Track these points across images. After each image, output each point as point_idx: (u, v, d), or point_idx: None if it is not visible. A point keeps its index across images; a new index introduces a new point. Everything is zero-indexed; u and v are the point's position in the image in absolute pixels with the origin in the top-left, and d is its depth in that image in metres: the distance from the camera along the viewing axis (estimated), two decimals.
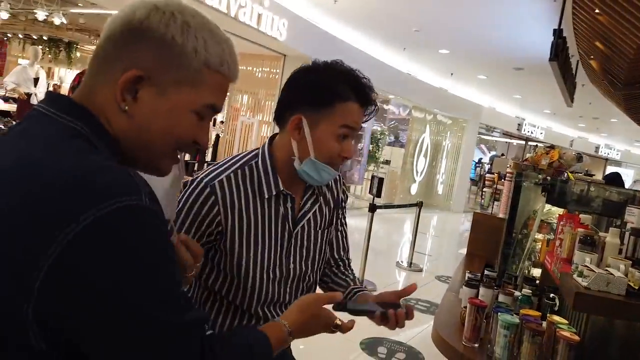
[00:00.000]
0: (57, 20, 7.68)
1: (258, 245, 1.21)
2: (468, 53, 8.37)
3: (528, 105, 13.89)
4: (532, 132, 16.53)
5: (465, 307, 1.84)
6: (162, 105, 0.72)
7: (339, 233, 1.45)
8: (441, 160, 13.15)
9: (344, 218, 1.47)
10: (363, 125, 1.30)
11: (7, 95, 6.89)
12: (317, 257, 1.34)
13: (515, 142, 22.17)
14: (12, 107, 6.80)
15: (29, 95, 6.36)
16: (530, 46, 6.94)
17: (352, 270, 1.48)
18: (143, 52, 0.70)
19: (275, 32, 6.36)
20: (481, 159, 20.50)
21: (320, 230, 1.34)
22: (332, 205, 1.39)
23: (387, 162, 11.56)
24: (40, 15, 7.70)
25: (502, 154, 20.47)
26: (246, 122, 7.88)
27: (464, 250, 3.65)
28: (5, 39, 12.04)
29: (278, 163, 1.24)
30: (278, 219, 1.24)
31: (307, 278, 1.32)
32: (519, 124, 15.72)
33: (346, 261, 1.48)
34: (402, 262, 6.36)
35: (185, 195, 1.18)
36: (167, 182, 0.86)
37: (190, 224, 1.16)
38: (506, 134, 18.66)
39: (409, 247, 6.56)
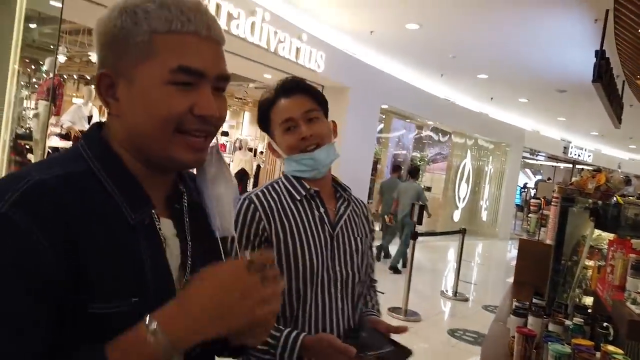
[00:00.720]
0: None
1: (304, 245, 1.27)
2: (508, 77, 8.27)
3: (574, 128, 13.48)
4: (579, 155, 15.99)
5: (514, 337, 1.79)
6: (134, 92, 0.69)
7: (370, 257, 1.50)
8: (484, 186, 12.88)
9: (372, 247, 1.53)
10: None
11: (62, 132, 7.32)
12: (361, 264, 1.37)
13: (562, 165, 21.45)
14: (67, 144, 7.21)
15: (82, 132, 6.73)
16: (572, 67, 6.80)
17: (375, 292, 1.53)
18: (102, 53, 0.71)
19: (314, 64, 6.53)
20: (526, 183, 19.93)
21: (359, 238, 1.39)
22: (364, 220, 1.46)
23: (428, 189, 11.43)
24: (94, 57, 8.20)
25: (549, 178, 19.83)
26: None
27: (513, 279, 3.54)
28: (62, 80, 12.84)
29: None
30: (316, 221, 1.32)
31: (354, 285, 1.35)
32: (564, 147, 15.26)
33: (373, 284, 1.54)
34: (446, 291, 6.20)
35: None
36: (231, 196, 0.81)
37: (240, 236, 1.24)
38: (552, 158, 18.11)
39: (453, 275, 6.40)
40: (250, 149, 11.85)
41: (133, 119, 0.70)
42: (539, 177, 22.76)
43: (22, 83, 4.81)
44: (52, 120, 5.87)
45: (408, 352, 1.19)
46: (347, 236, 1.36)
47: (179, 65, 0.68)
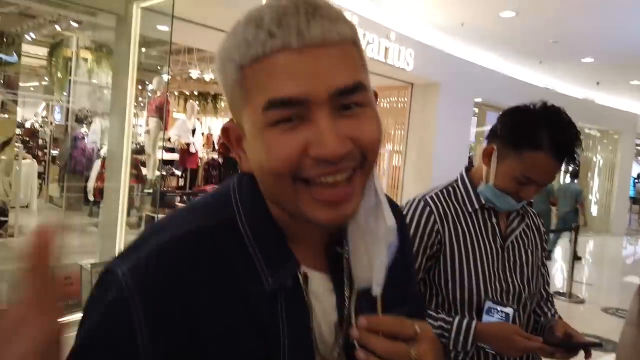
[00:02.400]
0: (207, 77, 8.70)
1: (476, 254, 1.27)
2: (617, 58, 7.58)
3: None
4: None
5: None
6: (248, 145, 0.58)
7: (543, 270, 1.46)
8: (593, 179, 11.89)
9: (545, 259, 1.48)
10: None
11: (168, 145, 7.93)
12: (531, 277, 1.34)
13: None
14: (174, 156, 7.80)
15: (188, 144, 7.26)
16: None
17: (553, 305, 1.47)
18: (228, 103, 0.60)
19: (403, 62, 6.45)
20: None
21: (530, 251, 1.36)
22: (535, 232, 1.42)
23: None
24: (194, 74, 8.80)
25: None
26: None
27: (632, 279, 3.24)
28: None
29: (475, 184, 1.34)
30: (488, 232, 1.31)
31: (526, 298, 1.33)
32: None
33: (550, 298, 1.49)
34: (560, 292, 5.81)
35: (405, 214, 1.30)
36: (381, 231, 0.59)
37: (413, 237, 1.27)
38: None
39: (563, 275, 5.98)
40: None
41: (256, 174, 0.59)
42: None
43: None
44: (160, 134, 6.38)
45: (598, 344, 1.21)
46: (517, 248, 1.34)
47: (267, 101, 0.52)
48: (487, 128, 11.36)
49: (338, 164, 0.52)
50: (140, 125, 7.99)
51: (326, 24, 0.52)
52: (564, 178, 9.17)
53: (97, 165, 5.39)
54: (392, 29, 6.24)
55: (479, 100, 8.66)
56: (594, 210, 11.88)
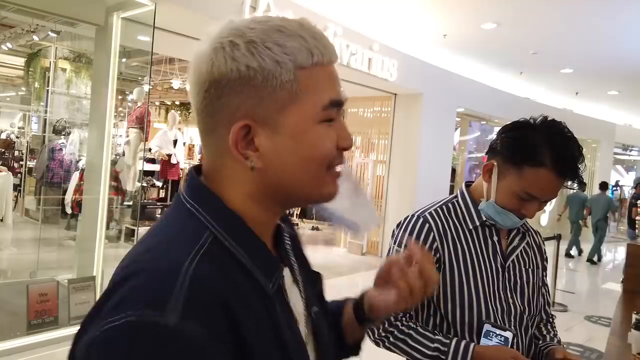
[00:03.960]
0: (189, 87, 8.59)
1: (476, 273, 1.23)
2: (595, 69, 7.75)
3: None
4: None
5: (639, 354, 1.63)
6: (283, 139, 0.61)
7: (544, 290, 1.42)
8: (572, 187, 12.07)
9: (545, 278, 1.45)
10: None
11: (149, 156, 7.80)
12: (532, 298, 1.31)
13: None
14: (155, 167, 7.67)
15: (169, 155, 7.15)
16: None
17: (554, 327, 1.42)
18: (232, 100, 0.60)
19: (386, 73, 6.47)
20: (618, 181, 18.44)
21: (530, 270, 1.33)
22: (536, 250, 1.39)
23: None
24: (175, 84, 8.70)
25: None
26: (361, 163, 8.00)
27: (611, 285, 3.26)
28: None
29: (476, 201, 1.30)
30: (489, 250, 1.27)
31: (527, 318, 1.29)
32: None
33: (550, 319, 1.44)
34: None
35: (402, 230, 1.28)
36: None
37: None
38: None
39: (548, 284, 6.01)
40: None
41: (283, 167, 0.62)
42: (632, 173, 20.98)
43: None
44: (141, 145, 6.28)
45: None
46: (518, 268, 1.30)
47: (330, 100, 0.62)
48: (469, 137, 11.48)
49: (344, 155, 0.67)
50: (121, 136, 7.87)
51: None
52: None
53: (75, 177, 5.27)
54: (376, 40, 6.27)
55: (461, 110, 8.74)
56: None
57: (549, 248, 6.08)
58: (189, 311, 0.51)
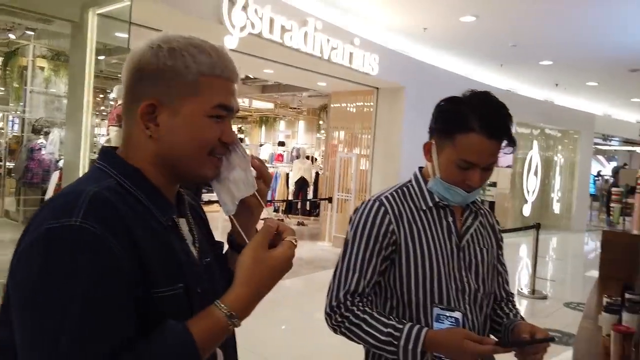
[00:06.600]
0: None
1: (432, 253, 1.26)
2: (574, 61, 7.85)
3: None
4: None
5: (609, 335, 1.69)
6: (178, 120, 0.82)
7: (501, 268, 1.45)
8: (554, 177, 12.25)
9: (502, 257, 1.47)
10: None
11: None
12: (487, 276, 1.34)
13: (638, 149, 20.00)
14: None
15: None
16: None
17: (515, 306, 1.44)
18: (148, 85, 0.81)
19: (367, 67, 6.50)
20: (600, 171, 18.75)
21: (485, 249, 1.35)
22: (490, 230, 1.41)
23: (494, 185, 11.02)
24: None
25: (625, 164, 18.54)
26: (344, 158, 8.04)
27: (593, 273, 3.34)
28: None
29: (427, 181, 1.34)
30: (444, 230, 1.30)
31: (481, 297, 1.31)
32: None
33: (510, 298, 1.46)
34: (522, 289, 5.94)
35: (359, 215, 1.31)
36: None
37: (368, 237, 1.26)
38: (627, 142, 16.94)
39: (527, 272, 6.13)
40: (307, 157, 11.95)
41: (173, 141, 0.82)
42: (613, 163, 21.33)
43: (93, 112, 5.13)
44: None
45: (550, 339, 1.19)
46: (473, 247, 1.33)
47: (219, 103, 0.83)
48: None
49: (226, 148, 0.87)
50: (102, 135, 7.76)
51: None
52: None
53: (54, 177, 5.20)
54: (357, 34, 6.29)
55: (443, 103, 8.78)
56: (556, 207, 12.23)
57: (526, 238, 6.19)
58: (87, 215, 0.70)
